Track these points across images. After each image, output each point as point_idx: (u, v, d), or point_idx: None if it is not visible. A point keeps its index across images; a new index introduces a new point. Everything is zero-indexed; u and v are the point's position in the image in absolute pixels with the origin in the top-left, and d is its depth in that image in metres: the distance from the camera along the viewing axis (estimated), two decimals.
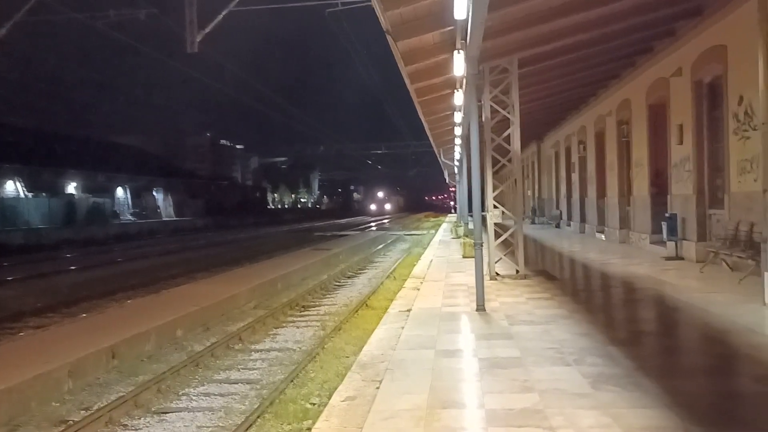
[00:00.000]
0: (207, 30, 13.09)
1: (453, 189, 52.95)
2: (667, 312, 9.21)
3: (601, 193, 22.14)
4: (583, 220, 25.28)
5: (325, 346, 9.50)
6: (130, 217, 52.59)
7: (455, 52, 9.92)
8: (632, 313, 9.40)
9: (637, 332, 7.81)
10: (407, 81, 12.37)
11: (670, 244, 14.71)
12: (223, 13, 12.71)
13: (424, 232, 42.40)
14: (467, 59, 9.52)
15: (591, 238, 22.74)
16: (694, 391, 5.24)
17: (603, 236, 21.55)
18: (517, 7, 10.01)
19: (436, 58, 11.34)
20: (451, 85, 13.32)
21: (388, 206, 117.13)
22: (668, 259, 14.51)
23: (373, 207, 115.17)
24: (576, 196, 26.49)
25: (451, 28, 9.55)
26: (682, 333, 8.03)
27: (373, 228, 51.64)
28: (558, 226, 30.25)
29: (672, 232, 14.48)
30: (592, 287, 12.46)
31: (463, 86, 12.38)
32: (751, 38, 9.00)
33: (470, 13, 7.23)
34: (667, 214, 14.84)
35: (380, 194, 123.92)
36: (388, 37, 9.50)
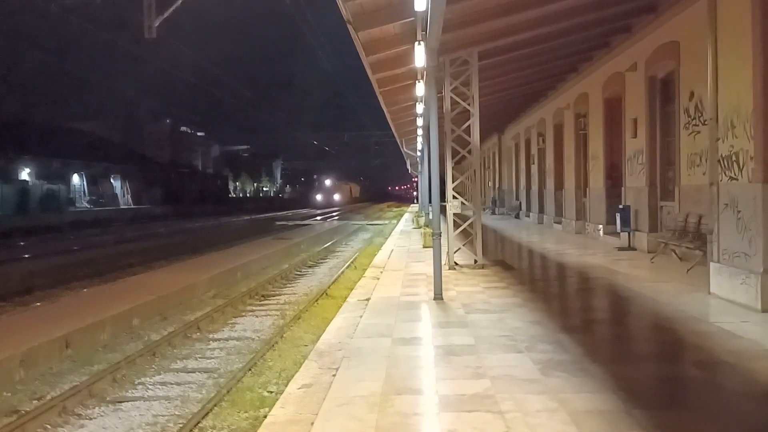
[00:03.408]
0: (165, 15, 12.89)
1: (416, 179, 53.22)
2: (617, 301, 9.49)
3: (559, 185, 22.54)
4: (541, 211, 25.70)
5: (284, 335, 9.54)
6: (86, 205, 51.49)
7: (416, 43, 9.99)
8: (584, 302, 9.66)
9: (588, 320, 8.05)
10: (369, 71, 12.41)
11: (624, 235, 15.11)
12: None
13: (386, 222, 42.56)
14: (427, 51, 9.61)
15: (549, 229, 23.16)
16: (639, 376, 5.45)
17: (560, 227, 21.97)
18: (476, 0, 10.11)
19: (397, 49, 11.40)
20: (413, 76, 13.41)
21: (337, 197, 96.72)
22: (621, 249, 14.90)
23: (319, 198, 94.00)
24: (535, 187, 26.90)
25: (412, 19, 9.61)
26: (631, 321, 8.30)
27: (336, 217, 51.53)
28: (518, 216, 30.69)
29: (625, 223, 14.85)
30: (547, 277, 12.73)
31: (425, 77, 12.47)
32: (702, 35, 9.26)
33: (429, 5, 7.31)
34: (620, 206, 15.20)
35: (328, 182, 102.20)
36: (349, 27, 9.52)
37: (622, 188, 15.73)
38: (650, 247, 13.75)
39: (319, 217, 51.14)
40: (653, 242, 13.64)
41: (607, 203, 17.21)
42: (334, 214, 57.07)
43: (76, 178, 52.87)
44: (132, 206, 56.67)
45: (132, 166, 61.74)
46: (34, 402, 6.80)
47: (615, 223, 15.56)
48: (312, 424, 4.58)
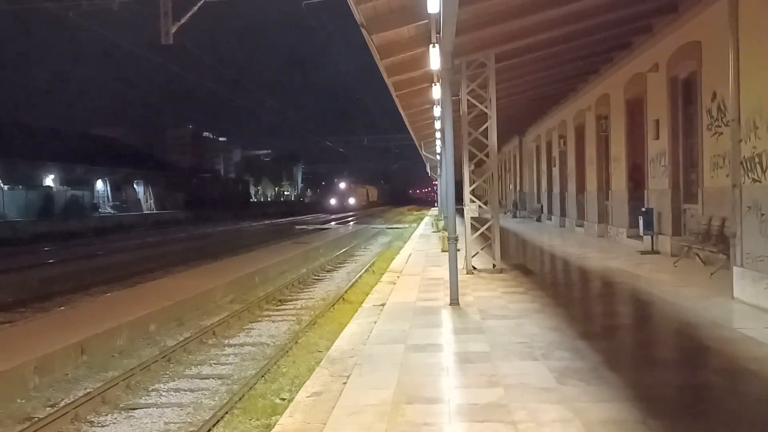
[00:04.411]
0: (182, 21, 12.94)
1: (436, 183, 53.02)
2: (639, 306, 9.28)
3: (581, 188, 22.26)
4: (563, 214, 25.42)
5: (299, 341, 9.47)
6: (109, 210, 52.04)
7: (431, 46, 9.89)
8: (604, 307, 9.46)
9: (607, 326, 7.86)
10: (384, 74, 12.34)
11: (646, 239, 14.85)
12: (198, 4, 12.58)
13: (406, 225, 42.41)
14: (442, 53, 9.50)
15: (570, 232, 22.88)
16: (658, 384, 5.28)
17: (582, 230, 21.68)
18: (492, 1, 9.98)
19: (412, 52, 11.31)
20: (429, 79, 13.31)
21: (352, 201, 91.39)
22: (644, 253, 14.63)
23: (332, 202, 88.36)
24: (556, 190, 26.62)
25: (426, 21, 9.52)
26: (651, 327, 8.09)
27: (355, 222, 51.48)
28: (539, 219, 30.39)
29: (648, 226, 14.59)
30: (568, 281, 12.52)
31: (440, 80, 12.36)
32: (725, 35, 9.05)
33: (441, 7, 7.21)
34: (643, 209, 14.95)
35: (342, 186, 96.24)
36: (363, 31, 9.45)
37: (645, 191, 15.47)
38: (673, 250, 13.47)
39: (338, 222, 51.09)
40: (676, 246, 13.36)
41: (629, 206, 16.92)
42: (350, 219, 56.68)
43: (99, 184, 53.52)
44: (154, 211, 57.20)
45: (154, 172, 62.40)
46: (48, 409, 6.80)
47: (638, 226, 15.31)
48: None
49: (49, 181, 47.05)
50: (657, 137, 14.51)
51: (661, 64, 13.98)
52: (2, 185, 41.26)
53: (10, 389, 7.10)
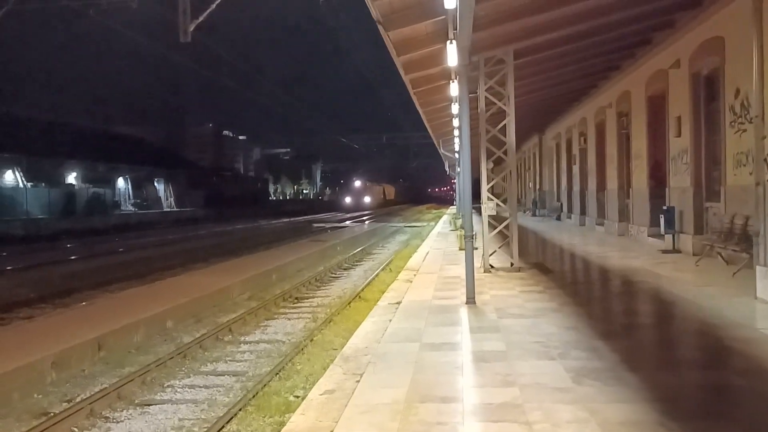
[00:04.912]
0: (200, 19, 12.98)
1: (455, 181, 52.82)
2: (659, 305, 9.13)
3: (601, 186, 22.02)
4: (583, 212, 25.17)
5: (314, 339, 9.45)
6: (130, 208, 52.54)
7: (448, 42, 9.80)
8: (623, 306, 9.33)
9: (626, 326, 7.72)
10: (401, 71, 12.27)
11: (668, 237, 14.63)
12: (217, 2, 12.59)
13: (424, 224, 42.30)
14: (459, 50, 9.40)
15: (591, 231, 22.64)
16: (677, 385, 5.17)
17: (603, 229, 21.44)
18: None
19: (429, 49, 11.22)
20: (447, 76, 13.21)
21: (368, 199, 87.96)
22: (665, 252, 14.42)
23: (347, 200, 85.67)
24: (576, 188, 26.37)
25: (443, 17, 9.44)
26: (672, 327, 7.94)
27: (374, 220, 51.45)
28: (559, 218, 30.13)
29: (669, 224, 14.38)
30: (586, 280, 12.37)
31: (458, 77, 12.26)
32: (748, 30, 8.86)
33: (458, 3, 7.13)
34: (664, 207, 14.73)
35: (357, 184, 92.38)
36: (380, 27, 9.39)
37: (666, 189, 15.24)
38: (695, 249, 13.24)
39: (355, 220, 51.06)
40: (698, 244, 13.13)
41: (650, 204, 16.69)
42: (367, 217, 56.47)
43: (120, 182, 54.04)
44: (175, 209, 57.67)
45: (175, 170, 62.88)
46: (64, 404, 6.84)
47: (659, 225, 15.09)
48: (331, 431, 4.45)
49: (71, 179, 47.57)
50: (679, 134, 14.29)
51: (683, 60, 13.76)
52: (25, 183, 41.82)
53: (27, 384, 7.16)
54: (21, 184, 41.57)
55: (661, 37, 14.73)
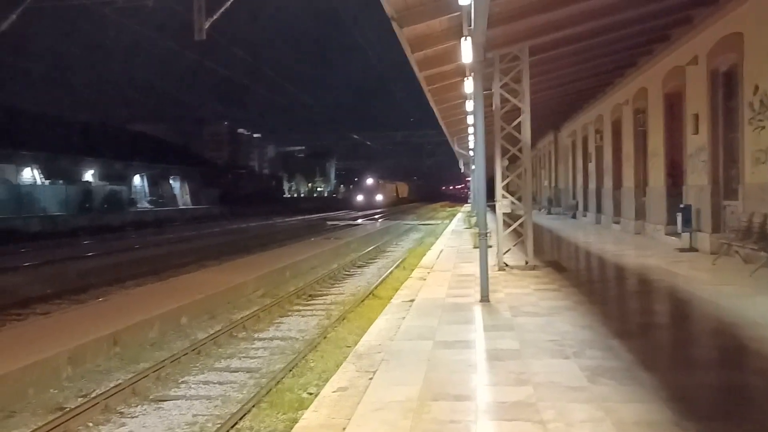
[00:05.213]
0: (215, 17, 13.02)
1: (469, 179, 52.62)
2: (675, 304, 9.03)
3: (617, 184, 21.84)
4: (599, 210, 24.99)
5: (328, 336, 9.45)
6: (146, 205, 52.96)
7: (462, 39, 9.76)
8: (639, 305, 9.23)
9: (642, 325, 7.64)
10: (416, 69, 12.24)
11: (685, 236, 14.48)
12: None
13: (439, 222, 42.18)
14: (474, 46, 9.36)
15: (606, 229, 22.47)
16: (694, 385, 5.10)
17: (619, 227, 21.27)
18: None
19: (444, 45, 11.19)
20: (461, 73, 13.17)
21: (380, 197, 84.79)
22: (682, 250, 14.27)
23: (359, 198, 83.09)
24: (592, 186, 26.17)
25: (458, 13, 9.40)
26: (688, 326, 7.85)
27: (388, 218, 51.39)
28: (574, 216, 29.93)
29: (686, 223, 14.23)
30: (602, 279, 12.27)
31: (473, 74, 12.20)
32: (767, 26, 8.74)
33: None
34: (681, 205, 14.58)
35: (369, 181, 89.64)
36: (394, 24, 9.36)
37: (683, 187, 15.08)
38: (712, 248, 13.09)
39: (370, 218, 51.04)
40: (716, 243, 12.98)
41: (667, 202, 16.51)
42: (382, 215, 56.23)
43: (137, 179, 54.46)
44: (190, 206, 58.03)
45: (191, 168, 63.26)
46: (79, 399, 6.89)
47: (675, 223, 14.93)
48: (344, 429, 4.43)
49: (88, 176, 48.02)
50: (696, 132, 14.12)
51: (701, 56, 13.59)
52: (43, 180, 42.26)
53: (43, 379, 7.22)
54: (39, 182, 42.03)
55: (678, 33, 14.57)
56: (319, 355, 8.47)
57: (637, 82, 18.77)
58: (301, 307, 12.21)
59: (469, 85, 13.21)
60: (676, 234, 15.26)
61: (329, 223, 42.61)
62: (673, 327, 7.82)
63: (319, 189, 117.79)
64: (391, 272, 16.20)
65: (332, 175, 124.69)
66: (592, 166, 26.16)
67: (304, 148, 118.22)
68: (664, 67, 16.12)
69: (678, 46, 14.88)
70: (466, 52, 9.79)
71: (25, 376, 6.98)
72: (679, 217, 14.48)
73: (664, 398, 4.71)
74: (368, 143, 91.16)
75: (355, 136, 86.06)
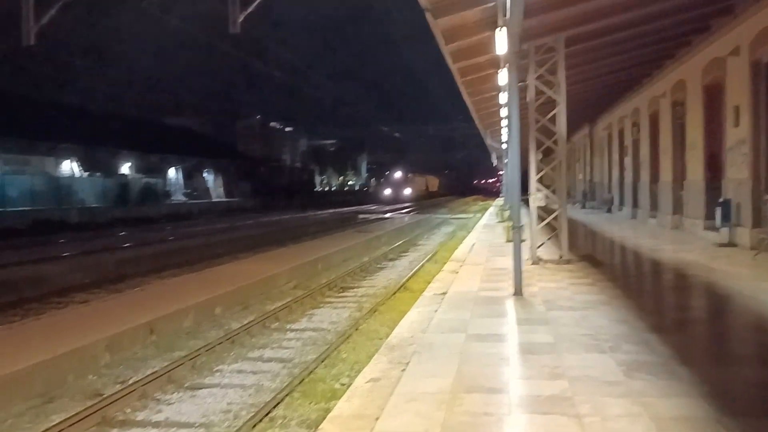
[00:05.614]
0: (250, 9, 13.09)
1: (501, 172, 52.23)
2: (713, 300, 8.84)
3: (654, 177, 21.45)
4: (635, 204, 24.58)
5: (359, 328, 9.48)
6: (181, 198, 53.71)
7: (497, 29, 9.65)
8: (676, 300, 9.06)
9: (679, 320, 7.50)
10: (449, 60, 12.14)
11: (723, 231, 14.15)
12: None
13: (470, 215, 42.00)
14: (509, 37, 9.24)
15: (642, 224, 22.09)
16: (733, 381, 5.00)
17: (655, 221, 20.90)
18: None
19: (478, 36, 11.05)
20: (495, 64, 13.01)
21: (408, 191, 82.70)
22: (721, 245, 13.96)
23: (387, 192, 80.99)
24: (628, 180, 25.75)
25: (493, 4, 9.29)
26: (727, 321, 7.68)
27: (419, 212, 51.30)
28: (609, 210, 29.50)
29: (725, 217, 13.91)
30: (638, 273, 12.08)
31: (507, 65, 12.07)
32: None
33: None
34: (720, 200, 14.26)
35: (397, 175, 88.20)
36: (428, 15, 9.29)
37: (723, 180, 14.73)
38: (752, 243, 12.79)
39: (401, 212, 51.00)
40: (756, 238, 12.67)
41: (706, 196, 16.16)
42: (413, 209, 56.02)
43: (172, 172, 55.24)
44: (223, 199, 58.68)
45: (224, 161, 63.93)
46: (117, 386, 7.02)
47: (714, 218, 14.61)
48: (377, 419, 4.43)
49: (124, 168, 48.88)
50: (737, 124, 13.78)
51: (743, 47, 13.24)
52: (82, 172, 43.17)
53: (82, 365, 7.37)
54: (77, 174, 42.94)
55: (719, 23, 14.22)
56: (351, 346, 8.49)
57: (675, 74, 18.38)
58: (332, 299, 12.27)
59: (503, 77, 13.07)
60: (714, 229, 14.92)
61: (360, 216, 42.70)
62: (712, 322, 7.65)
63: (350, 183, 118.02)
64: (422, 265, 16.17)
65: (363, 169, 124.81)
66: (628, 160, 25.74)
67: (335, 141, 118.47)
68: (704, 58, 15.75)
69: (718, 36, 14.52)
70: (501, 42, 9.68)
71: (65, 363, 7.14)
72: (718, 212, 14.16)
73: (703, 394, 4.61)
74: (397, 135, 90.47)
75: (384, 128, 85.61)
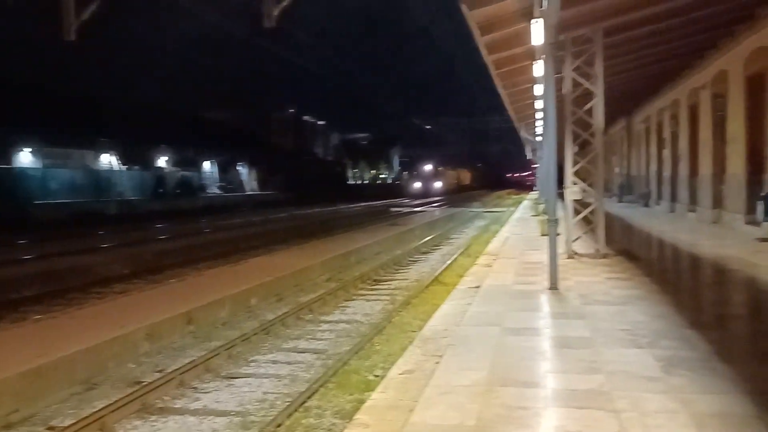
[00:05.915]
0: (285, 3, 13.15)
1: (536, 166, 51.70)
2: (755, 296, 8.65)
3: (694, 171, 20.99)
4: (673, 198, 24.10)
5: (393, 320, 9.50)
6: (216, 191, 54.39)
7: (533, 20, 9.55)
8: (716, 295, 8.88)
9: (720, 316, 7.36)
10: (484, 52, 12.05)
11: (765, 225, 13.82)
12: None
13: (504, 209, 41.66)
14: (546, 27, 9.13)
15: (681, 218, 21.67)
16: None
17: (694, 216, 20.47)
18: None
19: (514, 27, 10.96)
20: (531, 56, 12.87)
21: (438, 185, 79.37)
22: (763, 240, 13.62)
23: (416, 186, 78.41)
24: (666, 173, 25.26)
25: None
26: None
27: (452, 205, 51.08)
28: (647, 204, 29.00)
29: (767, 212, 13.57)
30: (676, 268, 11.86)
31: (544, 57, 11.93)
32: None
33: None
34: (762, 193, 13.91)
35: (427, 168, 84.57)
36: (462, 6, 9.23)
37: (765, 174, 14.36)
38: None
39: (433, 205, 50.85)
40: None
41: (747, 190, 15.76)
42: (445, 203, 55.74)
43: (207, 165, 55.94)
44: (258, 192, 59.25)
45: (258, 154, 64.50)
46: (156, 374, 7.16)
47: (755, 212, 14.27)
48: (411, 410, 4.45)
49: (161, 162, 49.68)
50: None
51: None
52: (120, 166, 44.01)
53: (122, 354, 7.55)
54: (116, 167, 43.80)
55: (764, 12, 13.81)
56: (385, 338, 8.52)
57: (716, 65, 17.94)
58: (365, 292, 12.31)
59: (539, 69, 12.93)
60: (756, 223, 14.58)
61: (393, 209, 42.71)
62: (753, 318, 7.49)
63: (382, 176, 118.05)
64: (455, 259, 16.11)
65: (396, 162, 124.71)
66: (666, 153, 25.24)
67: (368, 135, 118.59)
68: (747, 48, 15.33)
69: (763, 25, 14.12)
70: (537, 34, 9.59)
71: (106, 351, 7.31)
72: (760, 206, 13.84)
73: (743, 391, 4.53)
74: (427, 127, 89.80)
75: (416, 121, 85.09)
